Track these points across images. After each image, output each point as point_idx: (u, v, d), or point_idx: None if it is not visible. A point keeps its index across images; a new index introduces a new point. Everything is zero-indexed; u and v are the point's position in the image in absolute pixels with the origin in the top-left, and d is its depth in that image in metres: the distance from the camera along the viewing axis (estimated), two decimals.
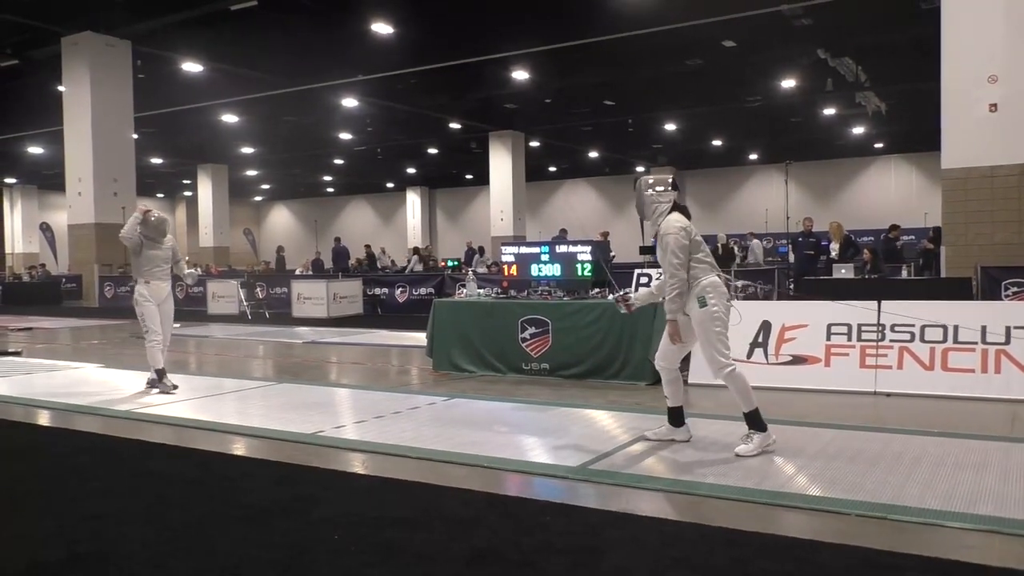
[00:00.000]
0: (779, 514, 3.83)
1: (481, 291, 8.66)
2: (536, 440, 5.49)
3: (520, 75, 20.60)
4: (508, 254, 8.38)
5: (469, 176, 39.59)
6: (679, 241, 4.76)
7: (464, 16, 16.16)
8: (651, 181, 4.99)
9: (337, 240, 26.28)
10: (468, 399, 6.93)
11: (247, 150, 32.68)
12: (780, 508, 3.88)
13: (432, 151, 33.19)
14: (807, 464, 4.59)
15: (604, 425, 5.88)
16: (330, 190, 46.41)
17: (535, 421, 6.10)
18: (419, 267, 23.91)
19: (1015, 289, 9.61)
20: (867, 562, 3.20)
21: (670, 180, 4.98)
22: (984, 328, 6.33)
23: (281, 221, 49.39)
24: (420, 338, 9.65)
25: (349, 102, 23.34)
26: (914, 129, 24.98)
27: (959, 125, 10.87)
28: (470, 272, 10.06)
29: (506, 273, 8.36)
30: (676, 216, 4.89)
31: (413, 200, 42.96)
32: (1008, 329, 6.26)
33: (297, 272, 23.20)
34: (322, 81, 20.79)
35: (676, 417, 5.11)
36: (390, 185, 43.80)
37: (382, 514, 3.86)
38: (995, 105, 10.69)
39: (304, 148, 31.76)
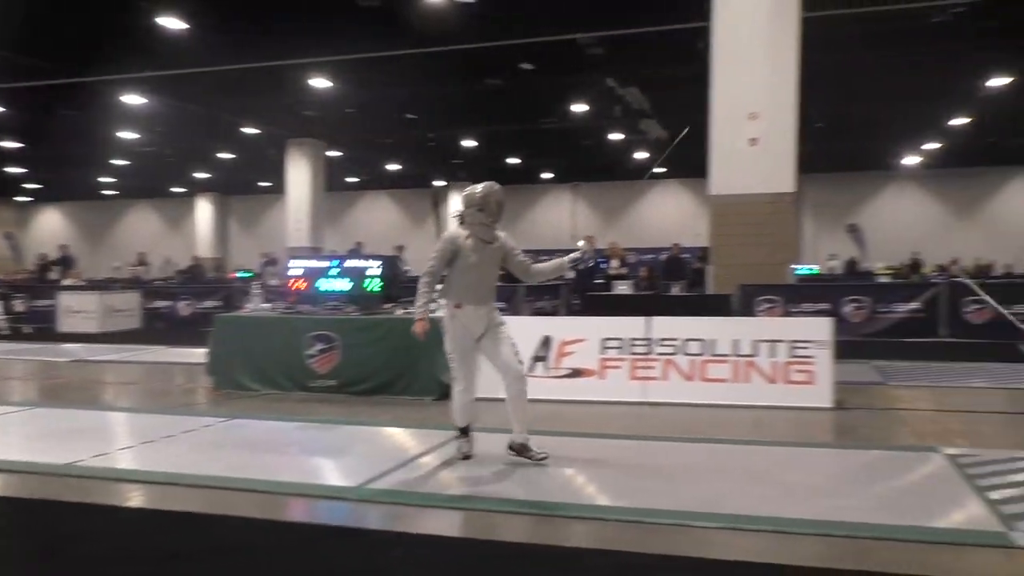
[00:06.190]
0: (549, 523, 4.01)
1: (267, 305, 8.37)
2: (318, 460, 5.40)
3: (321, 83, 20.15)
4: (296, 267, 8.17)
5: (266, 183, 38.06)
6: (437, 248, 5.01)
7: (261, 17, 15.55)
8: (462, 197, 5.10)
9: (64, 247, 24.71)
10: (249, 419, 6.65)
11: (8, 144, 29.39)
12: (552, 518, 4.06)
13: (226, 155, 31.61)
14: (578, 473, 4.85)
15: (389, 442, 5.88)
16: (111, 193, 42.83)
17: (319, 440, 5.99)
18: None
19: (767, 305, 10.72)
20: (623, 565, 3.44)
21: (477, 196, 4.96)
22: (736, 342, 7.02)
23: (52, 225, 44.87)
24: (204, 354, 9.14)
25: (133, 99, 21.70)
26: (690, 157, 27.06)
27: (724, 156, 11.87)
28: (257, 285, 9.68)
29: (294, 287, 8.14)
30: (452, 228, 5.12)
31: (204, 206, 40.70)
32: (756, 343, 6.98)
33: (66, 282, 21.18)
34: (102, 74, 19.16)
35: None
36: (179, 189, 41.17)
37: (152, 549, 3.62)
38: (755, 139, 11.78)
39: (81, 145, 29.10)
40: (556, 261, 5.36)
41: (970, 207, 29.50)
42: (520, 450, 4.99)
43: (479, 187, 4.97)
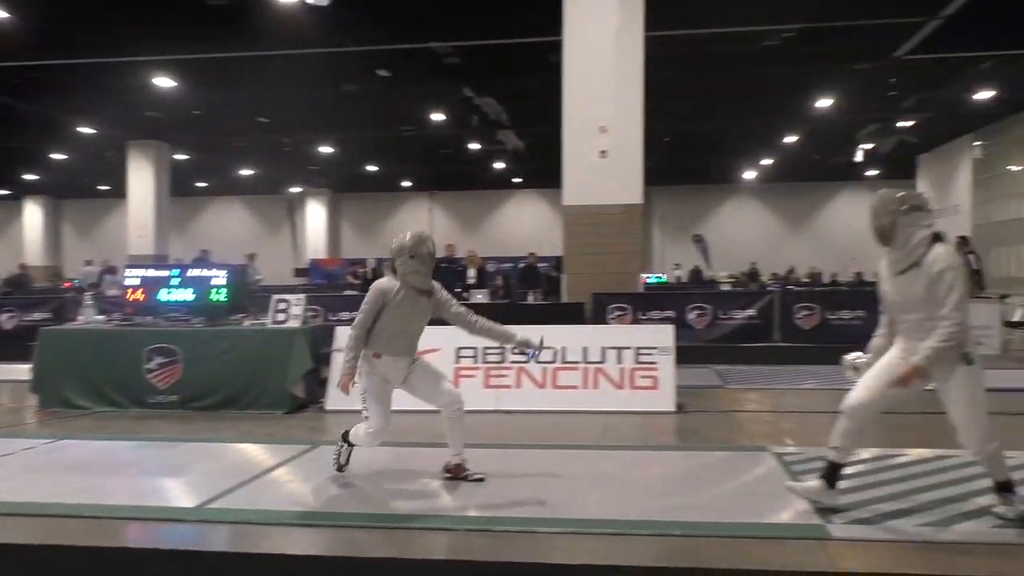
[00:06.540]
0: (398, 536, 3.97)
1: (101, 317, 7.85)
2: (156, 481, 5.11)
3: (164, 82, 19.11)
4: (134, 277, 7.71)
5: (105, 187, 35.71)
6: (367, 299, 4.74)
7: (94, 9, 14.57)
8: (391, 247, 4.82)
9: None
10: (79, 440, 6.19)
11: None
12: (400, 530, 4.03)
13: (59, 156, 29.41)
14: (430, 483, 4.84)
15: (234, 459, 5.64)
16: None
17: (157, 460, 5.66)
18: None
19: (618, 313, 11.10)
20: (472, 574, 3.45)
21: (407, 244, 4.73)
22: (586, 349, 7.22)
23: None
24: (28, 371, 8.44)
25: None
26: (545, 167, 27.68)
27: (576, 167, 12.20)
28: (88, 296, 9.07)
29: (131, 298, 7.67)
30: (384, 279, 4.83)
31: (33, 211, 37.72)
32: (603, 350, 7.21)
33: None
34: None
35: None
36: (3, 192, 37.92)
37: None
38: (605, 152, 12.17)
39: None
40: (506, 331, 5.08)
41: (801, 219, 31.87)
42: (456, 471, 4.88)
43: (407, 235, 4.77)
